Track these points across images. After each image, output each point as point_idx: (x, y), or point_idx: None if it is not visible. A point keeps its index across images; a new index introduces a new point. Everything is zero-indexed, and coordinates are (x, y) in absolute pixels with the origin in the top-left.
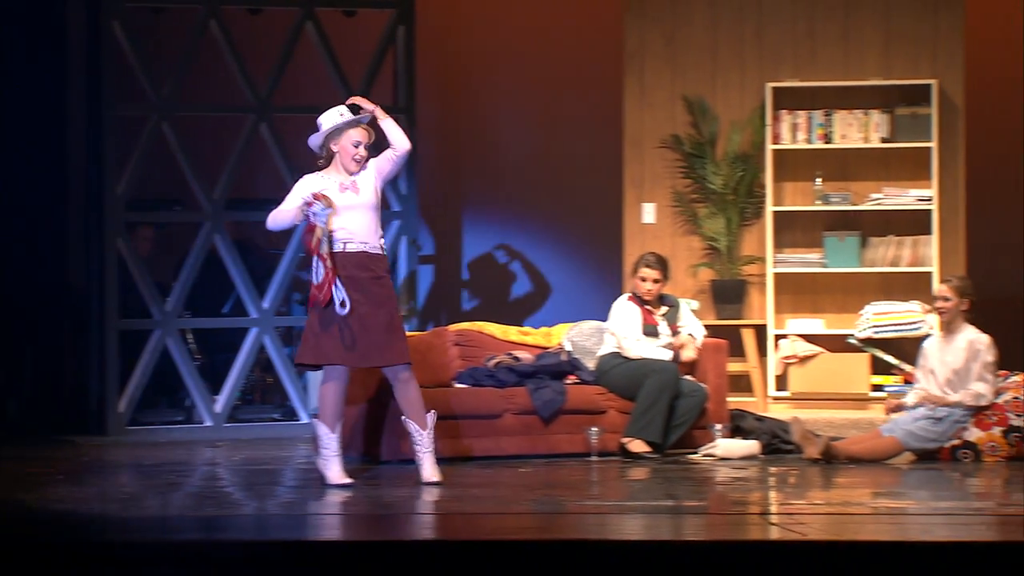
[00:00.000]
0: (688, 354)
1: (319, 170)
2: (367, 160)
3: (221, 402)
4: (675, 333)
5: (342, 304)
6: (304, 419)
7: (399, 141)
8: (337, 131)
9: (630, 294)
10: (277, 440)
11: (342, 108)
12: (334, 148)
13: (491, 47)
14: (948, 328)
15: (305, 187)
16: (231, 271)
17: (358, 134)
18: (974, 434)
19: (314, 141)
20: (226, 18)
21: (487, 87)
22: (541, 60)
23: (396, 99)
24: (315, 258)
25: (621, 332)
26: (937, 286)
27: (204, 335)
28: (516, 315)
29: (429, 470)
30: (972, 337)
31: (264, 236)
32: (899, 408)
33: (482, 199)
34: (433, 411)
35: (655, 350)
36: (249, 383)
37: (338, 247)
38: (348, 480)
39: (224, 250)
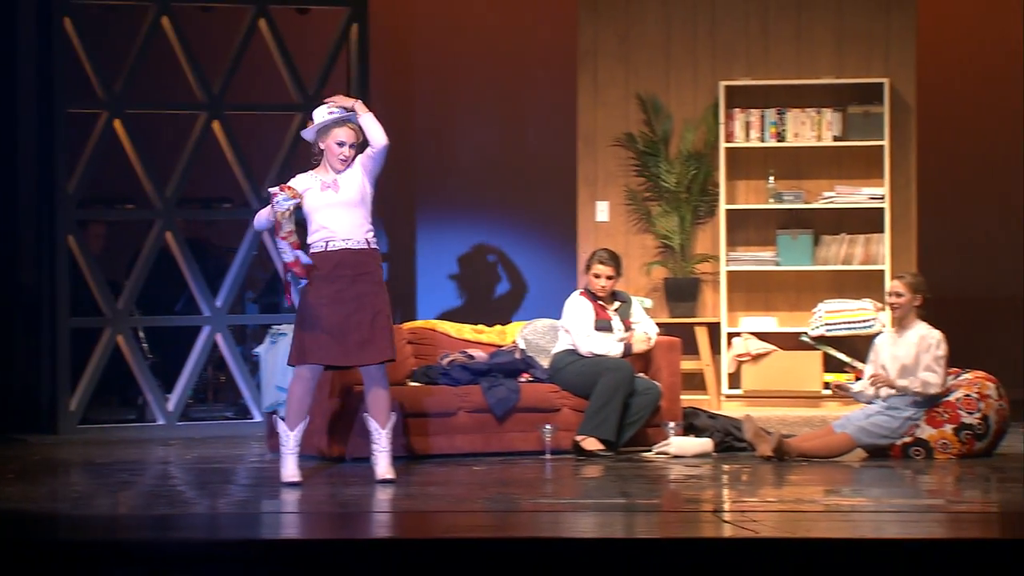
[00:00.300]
0: (640, 347)
1: (313, 168)
2: (354, 158)
3: (174, 400)
4: (628, 328)
5: (308, 268)
6: (257, 417)
7: (375, 137)
8: (324, 129)
9: (583, 290)
10: (230, 438)
11: (331, 106)
12: (321, 146)
13: (445, 45)
14: (900, 324)
15: (294, 185)
16: (184, 269)
17: (343, 133)
18: (926, 431)
19: (308, 135)
20: (179, 15)
21: (441, 85)
22: (495, 58)
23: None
24: (280, 240)
25: (574, 328)
26: (891, 282)
27: (156, 333)
28: (470, 313)
29: (384, 468)
30: (924, 333)
31: (218, 234)
32: (843, 390)
33: (436, 198)
34: (395, 413)
35: (608, 343)
36: (202, 381)
37: (320, 246)
38: (298, 479)
39: (177, 248)
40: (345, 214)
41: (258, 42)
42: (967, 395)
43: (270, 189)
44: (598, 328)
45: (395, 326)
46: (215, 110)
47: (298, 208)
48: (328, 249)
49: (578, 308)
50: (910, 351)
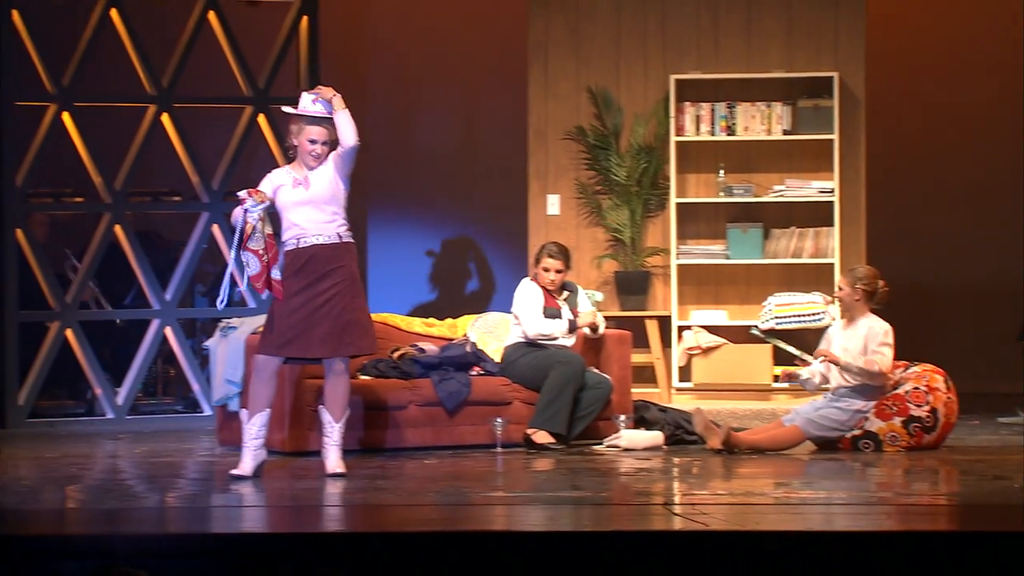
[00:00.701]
0: (586, 319)
1: (289, 163)
2: (327, 155)
3: (123, 394)
4: (575, 316)
5: (278, 285)
6: (207, 411)
7: (345, 137)
8: (299, 126)
9: (532, 277)
10: (180, 432)
11: (317, 98)
12: (295, 141)
13: (397, 37)
14: (850, 316)
15: (267, 182)
16: (133, 262)
17: (315, 132)
18: (875, 424)
19: (292, 125)
20: (128, 7)
21: (393, 78)
22: (447, 50)
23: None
24: (248, 253)
25: (523, 311)
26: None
27: (105, 327)
28: (421, 306)
29: (334, 462)
30: (872, 324)
31: (168, 227)
32: (792, 377)
33: (388, 191)
34: (349, 409)
35: (556, 325)
36: (151, 375)
37: (292, 243)
38: (246, 473)
39: (126, 241)
40: (315, 211)
41: (208, 35)
42: (916, 388)
43: (239, 194)
44: (548, 316)
45: None
46: (164, 103)
47: (271, 206)
48: (300, 246)
49: (527, 292)
50: (859, 342)
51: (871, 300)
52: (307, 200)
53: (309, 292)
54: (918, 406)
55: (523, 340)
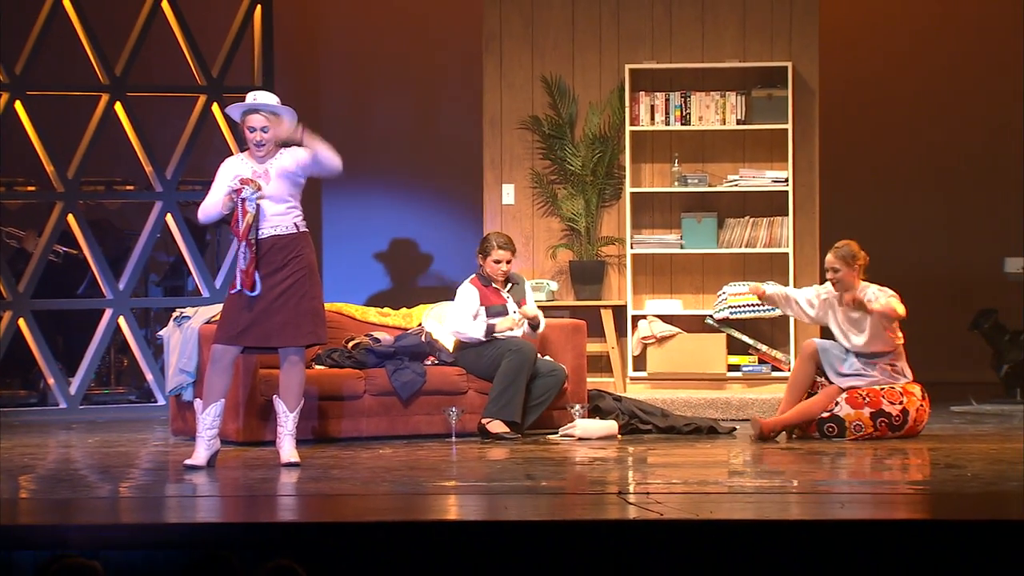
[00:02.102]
0: (530, 311)
1: (244, 151)
2: (282, 148)
3: (76, 384)
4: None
5: (253, 287)
6: (161, 401)
7: (331, 168)
8: (241, 115)
9: (474, 276)
10: (133, 422)
11: (257, 93)
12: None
13: (352, 26)
14: (847, 291)
15: (227, 171)
16: (86, 251)
17: (254, 120)
18: (844, 410)
19: (233, 113)
20: None
21: (349, 67)
22: (403, 40)
23: (254, 78)
24: (243, 244)
25: (453, 312)
26: (827, 258)
27: (58, 316)
28: (376, 296)
29: (288, 452)
30: (872, 287)
31: (121, 217)
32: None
33: (343, 180)
34: (304, 399)
35: (477, 327)
36: (105, 365)
37: (250, 235)
38: (199, 463)
39: (79, 230)
40: (273, 204)
41: (162, 24)
42: (892, 388)
43: (232, 186)
44: (493, 314)
45: None
46: (117, 92)
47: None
48: (258, 237)
49: (465, 296)
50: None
51: (862, 272)
52: (267, 194)
53: (267, 282)
54: (891, 403)
55: (454, 333)
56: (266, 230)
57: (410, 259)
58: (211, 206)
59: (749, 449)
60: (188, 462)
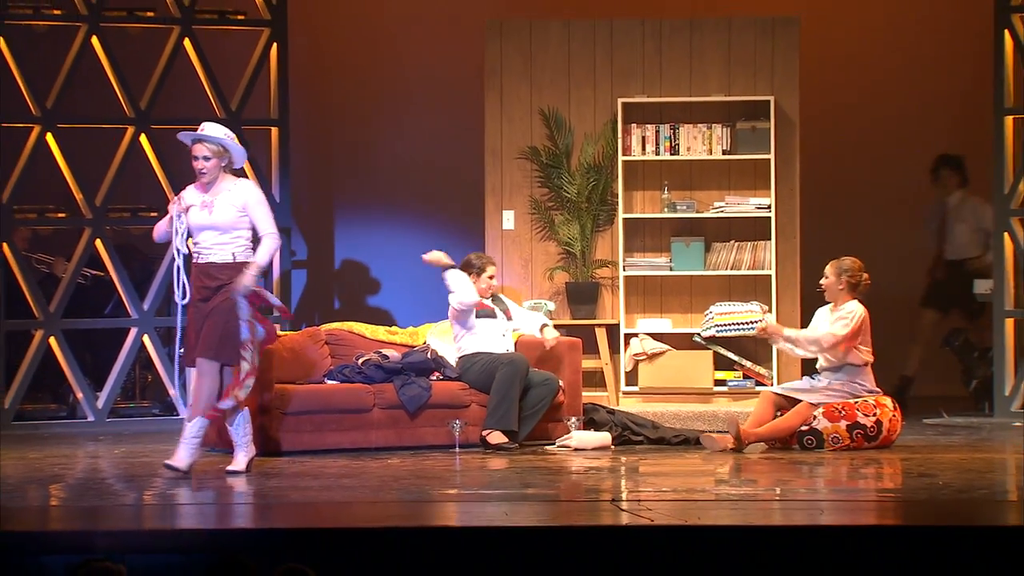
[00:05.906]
0: (550, 333)
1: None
2: (215, 170)
3: (103, 398)
4: (509, 318)
5: (184, 295)
6: (183, 413)
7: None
8: (191, 143)
9: None
10: (157, 434)
11: (206, 124)
12: None
13: (361, 63)
14: (836, 303)
15: (181, 201)
16: (113, 274)
17: (197, 149)
18: (822, 423)
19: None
20: (108, 34)
21: (358, 102)
22: (409, 75)
23: (270, 111)
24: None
25: (458, 291)
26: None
27: (87, 335)
28: (385, 315)
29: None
30: (851, 307)
31: (144, 242)
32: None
33: (354, 206)
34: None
35: (494, 325)
36: (130, 380)
37: (194, 258)
38: (179, 465)
39: (106, 254)
40: (214, 234)
41: (183, 61)
42: (866, 401)
43: (171, 209)
44: (483, 316)
45: (314, 328)
46: (142, 124)
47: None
48: (198, 261)
49: (456, 275)
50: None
51: (855, 290)
52: (209, 224)
53: (202, 308)
54: (865, 415)
55: (469, 352)
56: (203, 258)
57: (417, 280)
58: (159, 228)
59: (739, 459)
60: (168, 462)
